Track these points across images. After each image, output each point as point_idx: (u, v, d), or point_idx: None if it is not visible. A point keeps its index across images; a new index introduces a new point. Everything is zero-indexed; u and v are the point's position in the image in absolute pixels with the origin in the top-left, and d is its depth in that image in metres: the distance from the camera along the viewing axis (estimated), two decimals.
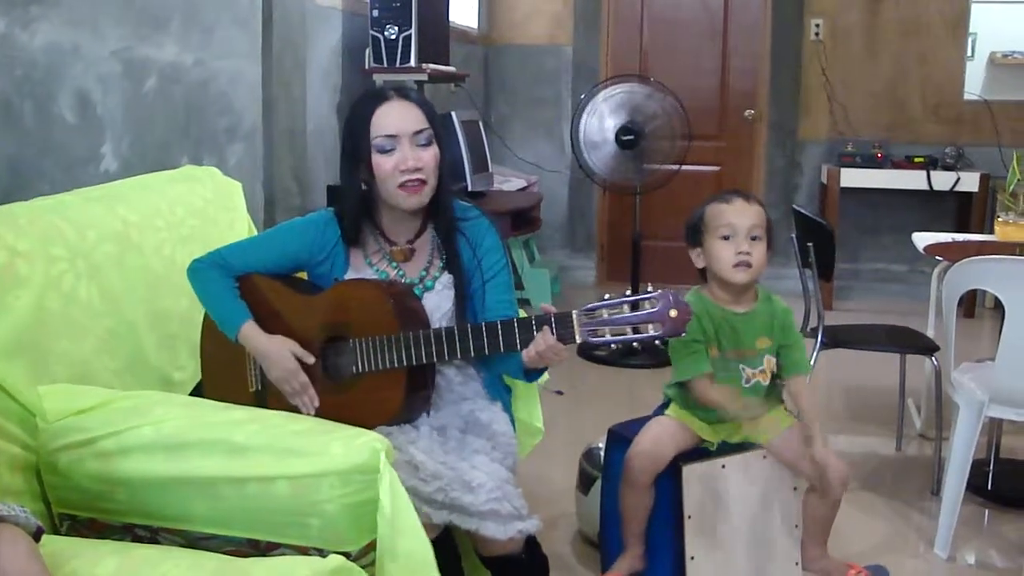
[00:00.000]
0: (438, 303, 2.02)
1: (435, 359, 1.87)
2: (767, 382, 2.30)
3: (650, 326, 1.72)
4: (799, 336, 2.36)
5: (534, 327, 1.80)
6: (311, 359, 1.95)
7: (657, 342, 1.76)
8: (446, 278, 2.04)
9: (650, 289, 1.78)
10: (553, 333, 1.78)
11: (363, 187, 2.00)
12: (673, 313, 1.71)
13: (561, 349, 1.80)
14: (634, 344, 1.76)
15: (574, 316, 1.77)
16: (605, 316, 1.74)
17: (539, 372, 2.01)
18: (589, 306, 1.76)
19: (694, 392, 2.26)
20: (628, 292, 1.79)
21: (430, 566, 1.61)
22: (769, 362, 2.29)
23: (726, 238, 2.23)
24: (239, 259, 2.05)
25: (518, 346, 1.83)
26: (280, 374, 1.95)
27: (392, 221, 2.04)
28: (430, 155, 1.98)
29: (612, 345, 1.76)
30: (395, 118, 1.95)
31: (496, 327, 1.83)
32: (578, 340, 1.77)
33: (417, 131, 1.96)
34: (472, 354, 1.86)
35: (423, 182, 1.97)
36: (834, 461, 2.30)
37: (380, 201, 2.02)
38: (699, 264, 2.30)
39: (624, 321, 1.73)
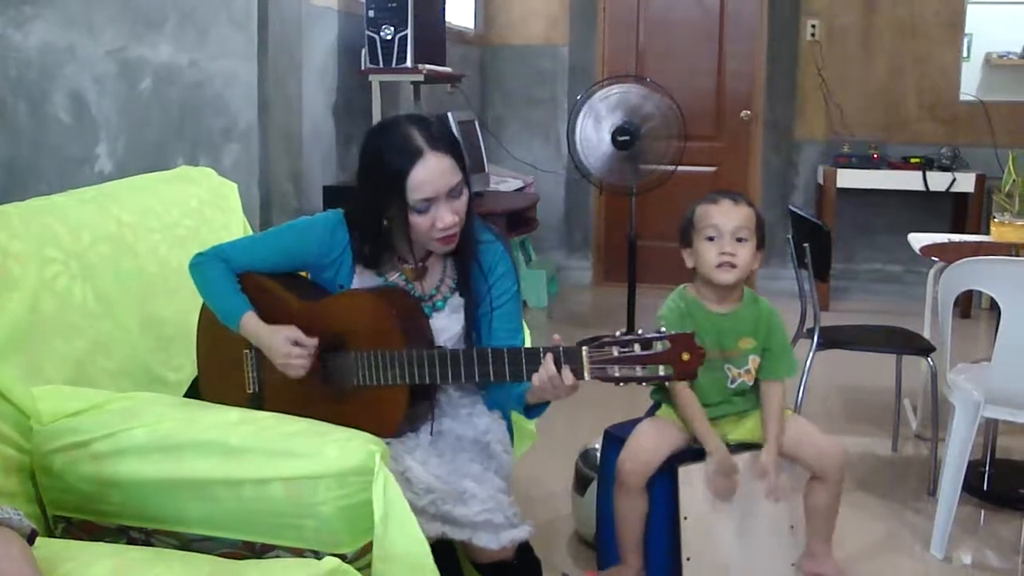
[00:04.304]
0: (447, 325, 1.98)
1: (438, 381, 1.83)
2: (752, 382, 2.32)
3: (660, 368, 1.67)
4: (784, 342, 2.35)
5: (542, 359, 1.76)
6: (312, 342, 1.90)
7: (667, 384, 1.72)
8: (456, 301, 2.00)
9: (663, 329, 1.72)
10: (562, 366, 1.74)
11: (383, 222, 1.93)
12: (686, 356, 1.67)
13: (560, 384, 1.75)
14: (642, 384, 1.71)
15: (584, 353, 1.72)
16: (615, 354, 1.69)
17: (539, 409, 1.98)
18: (599, 342, 1.71)
19: (671, 394, 2.29)
20: (640, 330, 1.73)
21: (427, 567, 1.60)
22: (754, 362, 2.31)
23: (711, 239, 2.25)
24: (241, 256, 2.02)
25: (524, 376, 1.78)
26: (281, 360, 1.91)
27: (409, 244, 1.98)
28: (463, 203, 1.91)
29: (620, 384, 1.71)
30: (433, 178, 1.85)
31: (503, 355, 1.80)
32: (587, 378, 1.73)
33: (453, 186, 1.88)
34: (476, 379, 1.82)
35: (457, 232, 1.92)
36: (828, 446, 2.33)
37: (403, 230, 1.95)
38: (689, 264, 2.33)
39: (635, 360, 1.68)
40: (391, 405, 1.87)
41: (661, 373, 1.68)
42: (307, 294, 2.01)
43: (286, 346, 1.89)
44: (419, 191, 1.85)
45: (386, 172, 1.87)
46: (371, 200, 1.91)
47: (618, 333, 1.72)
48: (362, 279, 1.99)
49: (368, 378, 1.86)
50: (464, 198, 1.92)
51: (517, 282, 2.05)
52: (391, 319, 1.87)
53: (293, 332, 1.90)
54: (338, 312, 1.93)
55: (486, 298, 2.00)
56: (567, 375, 1.74)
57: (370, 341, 1.86)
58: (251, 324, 1.94)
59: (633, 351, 1.68)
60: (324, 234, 1.98)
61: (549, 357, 1.75)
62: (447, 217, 1.87)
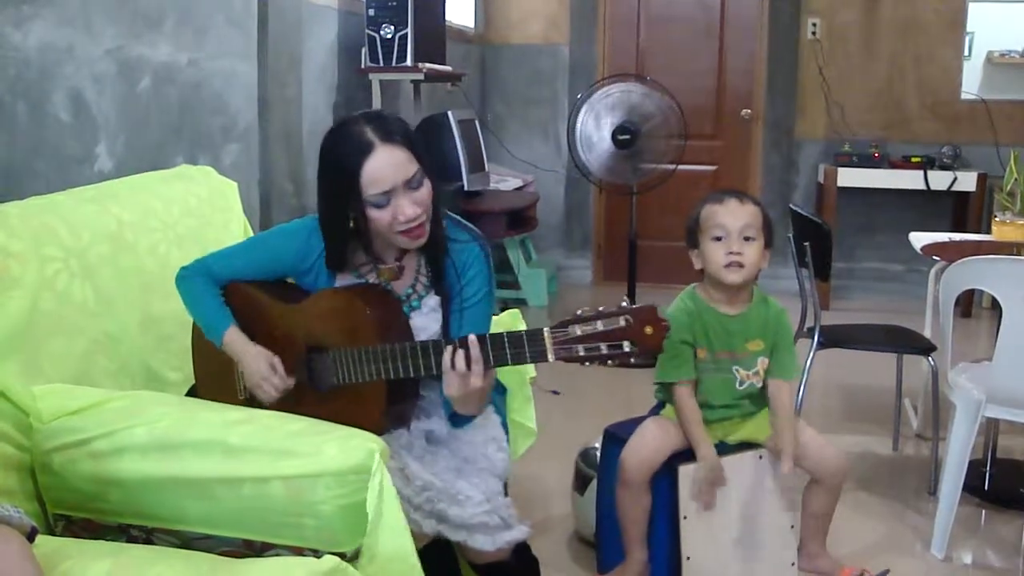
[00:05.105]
0: (425, 324, 1.98)
1: (412, 373, 1.81)
2: (760, 384, 2.31)
3: (625, 343, 1.63)
4: (791, 341, 2.36)
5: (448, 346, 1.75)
6: (289, 382, 1.93)
7: (632, 359, 1.65)
8: (433, 300, 2.00)
9: (624, 303, 1.67)
10: (526, 351, 1.70)
11: (349, 223, 1.92)
12: (648, 330, 1.62)
13: (461, 371, 1.73)
14: (608, 363, 1.66)
15: (546, 334, 1.68)
16: (578, 333, 1.65)
17: (464, 420, 1.95)
18: (560, 322, 1.67)
19: (674, 396, 2.28)
20: (601, 307, 1.69)
21: (413, 568, 1.60)
22: (763, 364, 2.30)
23: (718, 239, 2.24)
24: (223, 267, 2.03)
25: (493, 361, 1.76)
26: (255, 381, 1.94)
27: (380, 244, 1.96)
28: (424, 194, 1.88)
29: (587, 363, 1.66)
30: (387, 171, 1.83)
31: (484, 341, 1.76)
32: (551, 359, 1.68)
33: (409, 178, 1.85)
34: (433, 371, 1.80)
35: (422, 224, 1.90)
36: (830, 453, 2.34)
37: (367, 229, 1.93)
38: (697, 266, 2.31)
39: (597, 338, 1.64)
40: (370, 402, 1.86)
41: (626, 349, 1.63)
42: (288, 297, 2.01)
43: (266, 368, 1.92)
44: (374, 185, 1.84)
45: (342, 171, 1.86)
46: (332, 201, 1.91)
47: (579, 312, 1.68)
48: (343, 282, 1.99)
49: (346, 376, 1.86)
50: (425, 189, 1.89)
51: (490, 286, 2.02)
52: (363, 316, 1.87)
53: (275, 358, 1.92)
54: (316, 313, 1.94)
55: (457, 298, 1.99)
56: (460, 362, 1.72)
57: (347, 339, 1.86)
58: (233, 340, 1.96)
59: (596, 328, 1.64)
60: (300, 241, 1.99)
61: (454, 346, 1.74)
62: (408, 209, 1.85)
